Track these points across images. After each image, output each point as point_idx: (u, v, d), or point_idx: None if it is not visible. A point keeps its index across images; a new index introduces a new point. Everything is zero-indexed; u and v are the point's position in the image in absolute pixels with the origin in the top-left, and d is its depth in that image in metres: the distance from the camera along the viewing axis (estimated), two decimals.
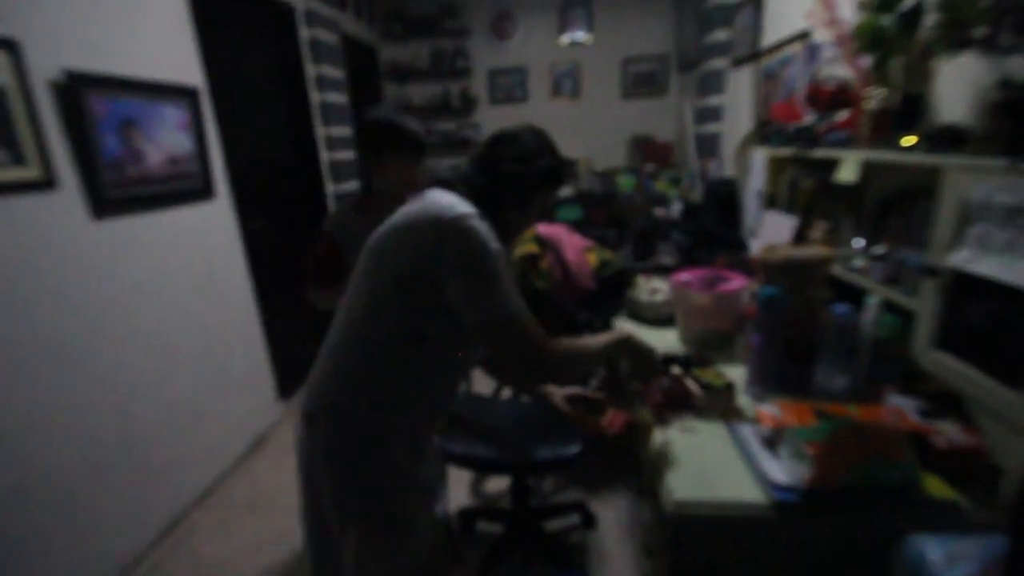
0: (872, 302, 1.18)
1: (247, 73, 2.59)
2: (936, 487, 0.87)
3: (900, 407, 1.02)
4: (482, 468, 1.60)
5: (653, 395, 1.16)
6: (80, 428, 1.58)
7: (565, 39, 4.19)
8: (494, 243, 0.88)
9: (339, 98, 3.23)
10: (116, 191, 1.72)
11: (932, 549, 0.75)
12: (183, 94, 2.00)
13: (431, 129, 4.42)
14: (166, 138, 1.93)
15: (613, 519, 1.80)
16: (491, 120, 4.39)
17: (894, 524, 0.82)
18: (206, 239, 2.15)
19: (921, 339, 1.09)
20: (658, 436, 1.08)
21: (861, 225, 1.50)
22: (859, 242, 1.43)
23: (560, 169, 1.03)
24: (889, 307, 1.18)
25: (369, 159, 1.43)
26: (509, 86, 4.32)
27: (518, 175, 0.97)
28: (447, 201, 0.90)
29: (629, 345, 1.03)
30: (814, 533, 0.88)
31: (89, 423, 1.61)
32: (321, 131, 3.10)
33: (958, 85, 1.21)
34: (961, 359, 0.99)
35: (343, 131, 3.27)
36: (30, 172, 1.45)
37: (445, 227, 0.86)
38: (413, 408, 0.97)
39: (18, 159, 1.42)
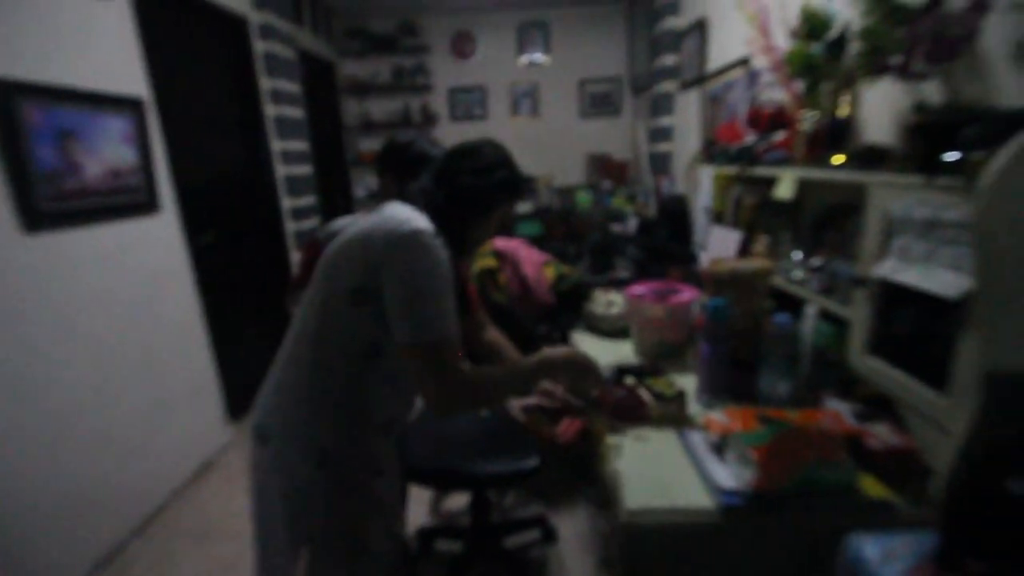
0: (810, 311, 1.24)
1: (197, 85, 2.52)
2: (872, 487, 0.91)
3: (837, 411, 1.07)
4: (439, 482, 1.57)
5: (607, 405, 1.18)
6: (8, 452, 1.47)
7: (524, 60, 4.29)
8: (442, 263, 0.87)
9: (295, 112, 3.19)
10: (50, 204, 1.63)
11: (869, 547, 0.78)
12: (127, 105, 1.92)
13: None
14: (108, 150, 1.84)
15: (573, 532, 1.79)
16: (452, 136, 4.41)
17: (834, 523, 0.85)
18: (149, 254, 2.05)
19: (854, 345, 1.15)
20: (612, 446, 1.09)
21: (799, 239, 1.59)
22: (797, 255, 1.51)
23: (518, 181, 1.03)
24: (826, 316, 1.25)
25: (389, 180, 1.46)
26: (469, 104, 4.37)
27: (475, 187, 0.97)
28: (403, 215, 0.89)
29: (560, 364, 1.03)
30: (760, 535, 0.91)
31: (17, 449, 1.50)
32: (276, 145, 3.04)
33: (880, 108, 1.31)
34: (891, 364, 1.06)
35: (299, 145, 3.22)
36: None
37: (395, 240, 0.85)
38: (368, 423, 0.95)
39: None
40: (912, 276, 0.97)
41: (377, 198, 1.47)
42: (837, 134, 1.38)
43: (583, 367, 1.07)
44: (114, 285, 1.88)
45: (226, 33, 2.70)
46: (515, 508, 1.95)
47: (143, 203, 2.01)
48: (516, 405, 1.23)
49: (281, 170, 3.08)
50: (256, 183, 2.95)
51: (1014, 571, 0.66)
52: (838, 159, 1.25)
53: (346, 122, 4.33)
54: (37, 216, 1.58)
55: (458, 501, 1.98)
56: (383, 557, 0.99)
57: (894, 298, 1.05)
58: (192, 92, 2.46)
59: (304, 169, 3.28)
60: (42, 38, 1.63)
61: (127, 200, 1.93)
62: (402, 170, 1.42)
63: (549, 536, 1.76)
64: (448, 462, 1.43)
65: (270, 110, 2.98)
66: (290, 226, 3.16)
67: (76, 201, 1.72)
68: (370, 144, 4.42)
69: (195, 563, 1.77)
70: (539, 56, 4.27)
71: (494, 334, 1.28)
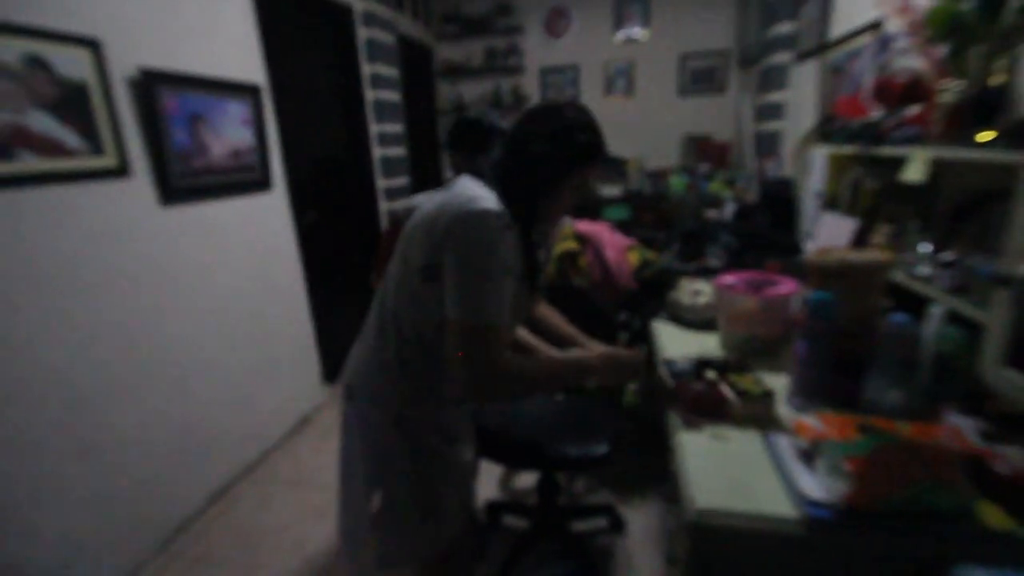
0: (936, 312, 1.08)
1: (306, 72, 2.71)
2: (993, 516, 0.78)
3: (959, 427, 0.92)
4: (509, 459, 1.59)
5: (684, 399, 1.12)
6: (140, 398, 1.72)
7: (620, 36, 4.12)
8: (501, 247, 0.86)
9: (392, 96, 3.32)
10: (183, 180, 1.85)
11: None
12: (247, 91, 2.12)
13: None
14: (230, 132, 2.05)
15: (642, 525, 1.75)
16: None
17: (941, 552, 0.74)
18: (263, 228, 2.27)
19: (989, 354, 0.99)
20: (687, 441, 1.04)
21: (929, 229, 1.38)
22: (926, 247, 1.31)
23: (596, 147, 0.97)
24: (955, 319, 1.08)
25: (459, 157, 1.52)
26: (561, 84, 4.29)
27: (549, 153, 0.92)
28: (470, 193, 0.89)
29: (596, 366, 1.02)
30: (849, 555, 0.81)
31: (148, 394, 1.74)
32: (374, 128, 3.20)
33: None
34: None
35: (395, 128, 3.36)
36: (107, 161, 1.58)
37: (458, 219, 0.86)
38: (442, 393, 0.99)
39: (97, 149, 1.55)
40: None
41: (451, 176, 1.51)
42: (987, 107, 1.16)
43: (622, 364, 1.05)
44: (233, 255, 2.10)
45: (333, 21, 2.87)
46: (585, 494, 1.94)
47: (258, 181, 2.22)
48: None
49: (377, 152, 3.24)
50: (354, 165, 3.14)
51: None
52: (986, 136, 1.07)
53: (439, 105, 4.45)
54: (172, 191, 1.80)
55: (528, 480, 2.01)
56: (451, 521, 1.03)
57: None
58: (301, 78, 2.65)
59: (398, 151, 3.43)
60: (173, 30, 1.83)
61: (245, 178, 2.14)
62: (472, 146, 1.46)
63: (616, 525, 1.73)
64: (519, 440, 1.45)
65: (369, 94, 3.14)
66: (383, 205, 3.33)
67: (203, 178, 1.94)
68: None
69: (291, 506, 1.97)
70: (637, 31, 4.07)
71: (544, 310, 1.27)
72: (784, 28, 2.87)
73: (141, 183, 1.71)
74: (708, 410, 1.10)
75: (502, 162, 0.96)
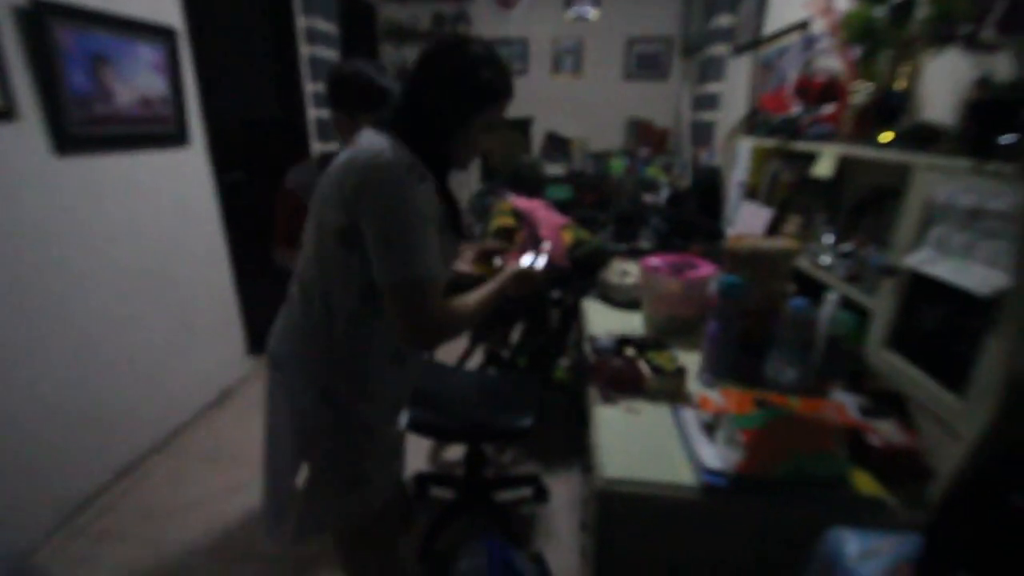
0: (831, 298, 1.17)
1: (232, 19, 2.50)
2: (865, 483, 0.88)
3: (843, 403, 1.02)
4: (437, 433, 1.60)
5: (603, 374, 1.16)
6: (37, 364, 1.57)
7: (571, 14, 4.08)
8: (416, 196, 0.82)
9: (330, 53, 3.14)
10: (82, 128, 1.67)
11: (850, 543, 0.75)
12: (159, 33, 1.92)
13: None
14: (139, 78, 1.86)
15: (565, 495, 1.82)
16: None
17: (819, 516, 0.82)
18: (178, 186, 2.10)
19: (874, 338, 1.09)
20: (601, 414, 1.08)
21: (834, 222, 1.49)
22: (829, 238, 1.42)
23: (505, 82, 0.91)
24: (848, 304, 1.18)
25: (341, 115, 1.36)
26: (509, 57, 4.20)
27: (453, 92, 0.87)
28: (374, 148, 0.84)
29: (511, 283, 1.04)
30: (740, 519, 0.89)
31: (46, 360, 1.59)
32: (309, 87, 3.01)
33: (941, 83, 1.18)
34: (909, 360, 0.99)
35: None
36: None
37: (365, 178, 0.82)
38: (373, 359, 0.95)
39: None
40: (945, 269, 0.89)
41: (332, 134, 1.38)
42: (890, 109, 1.26)
43: (526, 276, 1.08)
44: (144, 213, 1.93)
45: None
46: (512, 465, 1.99)
47: (173, 134, 2.04)
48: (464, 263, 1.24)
49: (312, 113, 3.06)
50: (287, 125, 2.96)
51: None
52: (886, 137, 1.15)
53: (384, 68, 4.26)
54: (68, 139, 1.62)
55: (456, 452, 2.03)
56: (377, 493, 1.02)
57: (922, 291, 0.98)
58: (226, 27, 2.44)
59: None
60: None
61: (157, 130, 1.96)
62: (352, 104, 1.32)
63: (541, 495, 1.79)
64: (446, 414, 1.45)
65: (305, 50, 2.94)
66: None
67: (107, 127, 1.76)
68: None
69: (205, 482, 1.89)
70: (588, 10, 4.05)
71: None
72: (724, 20, 2.96)
73: (30, 128, 1.53)
74: (625, 385, 1.15)
75: (404, 108, 0.90)
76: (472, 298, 0.96)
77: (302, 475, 0.97)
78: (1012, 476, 0.69)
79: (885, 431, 0.94)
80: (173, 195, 2.07)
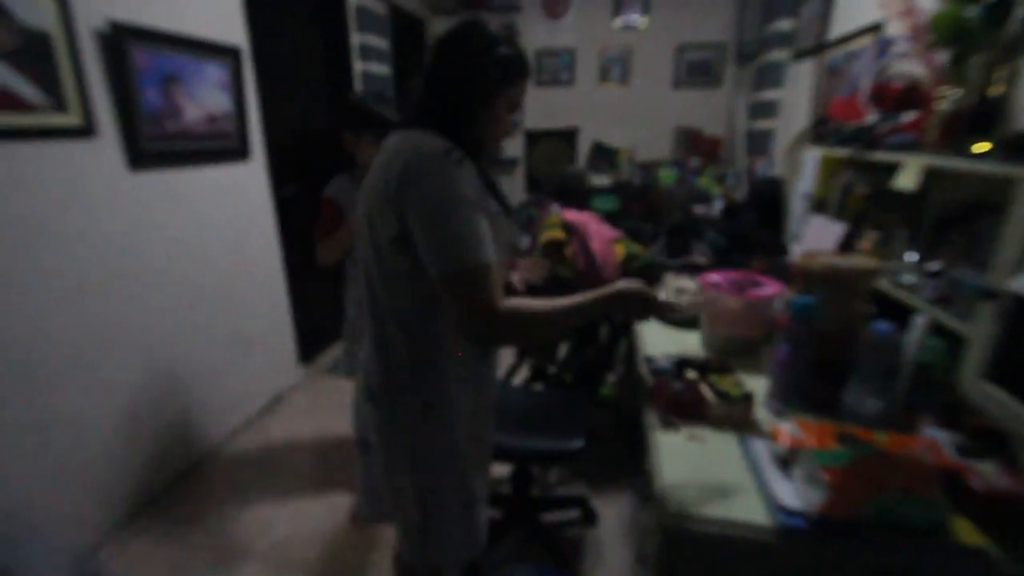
0: (919, 321, 1.07)
1: (291, 37, 2.60)
2: (966, 532, 0.78)
3: (936, 440, 0.92)
4: None
5: (663, 398, 1.10)
6: (105, 368, 1.65)
7: (619, 22, 4.04)
8: (458, 181, 0.79)
9: (382, 69, 3.22)
10: (154, 144, 1.76)
11: None
12: (226, 53, 2.01)
13: None
14: (206, 96, 1.95)
15: (614, 519, 1.75)
16: (534, 102, 4.28)
17: (914, 567, 0.74)
18: (239, 199, 2.18)
19: (970, 368, 0.99)
20: (661, 441, 1.02)
21: (917, 238, 1.38)
22: (912, 256, 1.31)
23: (519, 58, 0.89)
24: (937, 330, 1.08)
25: (348, 133, 1.61)
26: (555, 68, 4.20)
27: (471, 73, 0.85)
28: (407, 145, 0.83)
29: (616, 299, 0.91)
30: (822, 565, 0.81)
31: (114, 365, 1.67)
32: None
33: None
34: (1013, 394, 0.89)
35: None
36: (71, 119, 1.49)
37: (403, 176, 0.80)
38: (466, 360, 0.93)
39: (60, 105, 1.46)
40: None
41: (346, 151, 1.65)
42: (984, 117, 1.15)
43: (646, 301, 0.94)
44: (207, 226, 2.02)
45: None
46: (559, 485, 1.93)
47: (235, 149, 2.12)
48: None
49: None
50: (340, 140, 3.03)
51: None
52: (982, 147, 1.05)
53: None
54: (142, 154, 1.71)
55: (502, 469, 1.99)
56: (485, 508, 1.02)
57: None
58: (286, 44, 2.54)
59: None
60: None
61: (221, 145, 2.05)
62: (355, 127, 1.58)
63: (589, 518, 1.73)
64: (495, 433, 1.42)
65: (358, 66, 3.03)
66: None
67: (176, 143, 1.84)
68: None
69: (256, 485, 1.93)
70: (636, 17, 3.99)
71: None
72: (783, 25, 2.84)
73: (108, 144, 1.62)
74: (686, 410, 1.08)
75: (427, 100, 0.88)
76: (556, 302, 0.88)
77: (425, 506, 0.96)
78: None
79: (987, 473, 0.84)
80: (234, 207, 2.15)
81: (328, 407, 2.46)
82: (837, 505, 0.78)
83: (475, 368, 0.95)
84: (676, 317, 1.45)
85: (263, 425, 2.33)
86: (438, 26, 4.25)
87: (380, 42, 3.16)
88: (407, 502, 0.97)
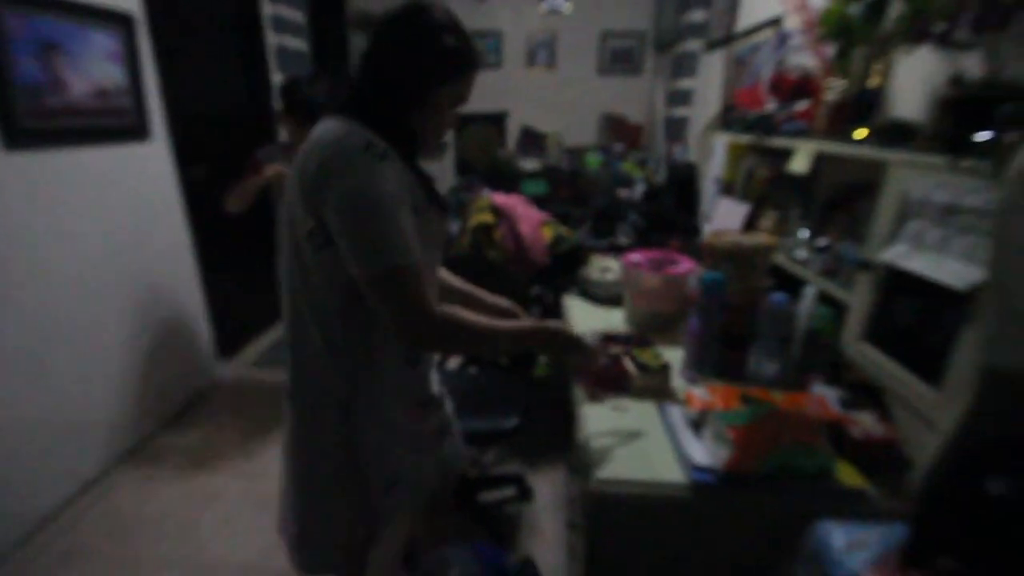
0: (809, 292, 1.19)
1: (194, 6, 2.38)
2: (848, 475, 0.89)
3: (823, 396, 1.04)
4: None
5: (590, 373, 1.15)
6: None
7: (544, 6, 4.06)
8: (382, 179, 0.75)
9: (298, 43, 3.04)
10: (33, 121, 1.57)
11: (837, 535, 0.76)
12: (115, 20, 1.82)
13: None
14: (94, 67, 1.76)
15: (549, 493, 1.82)
16: None
17: (806, 509, 0.83)
18: (139, 182, 2.00)
19: (850, 331, 1.11)
20: (589, 413, 1.07)
21: (809, 217, 1.52)
22: (804, 233, 1.44)
23: (465, 51, 0.82)
24: (824, 299, 1.20)
25: (283, 113, 1.77)
26: (483, 50, 4.16)
27: (415, 64, 0.79)
28: (333, 134, 0.78)
29: (546, 337, 0.92)
30: (729, 514, 0.89)
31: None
32: (277, 77, 2.91)
33: (914, 80, 1.21)
34: (885, 353, 1.02)
35: None
36: None
37: (325, 165, 0.75)
38: (383, 361, 0.89)
39: None
40: (921, 264, 0.91)
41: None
42: (864, 106, 1.28)
43: (574, 342, 0.97)
44: (102, 211, 1.83)
45: None
46: (495, 465, 1.97)
47: (132, 127, 1.94)
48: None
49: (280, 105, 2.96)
50: (255, 117, 2.85)
51: (984, 571, 0.64)
52: (860, 133, 1.17)
53: (354, 60, 4.16)
54: (18, 132, 1.52)
55: None
56: (418, 487, 0.99)
57: (898, 285, 1.01)
58: (189, 14, 2.33)
59: None
60: None
61: (115, 123, 1.86)
62: (287, 107, 1.72)
63: (525, 495, 1.78)
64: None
65: (272, 39, 2.84)
66: None
67: (60, 120, 1.65)
68: None
69: (179, 491, 1.81)
70: (561, 3, 4.03)
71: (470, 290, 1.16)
72: (697, 16, 2.98)
73: None
74: (611, 383, 1.14)
75: (361, 85, 0.82)
76: (492, 322, 0.88)
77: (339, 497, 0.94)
78: (986, 464, 0.71)
79: (865, 423, 0.97)
80: (133, 191, 1.97)
81: (256, 403, 2.34)
82: (741, 460, 0.86)
83: (398, 373, 0.92)
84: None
85: (183, 425, 2.18)
86: (358, 1, 4.07)
87: (295, 14, 2.98)
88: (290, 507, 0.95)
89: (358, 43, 4.16)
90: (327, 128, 0.80)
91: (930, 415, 0.89)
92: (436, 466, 1.04)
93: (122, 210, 1.92)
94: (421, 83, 0.80)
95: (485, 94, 4.29)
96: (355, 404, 0.88)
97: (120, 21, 1.83)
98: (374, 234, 0.74)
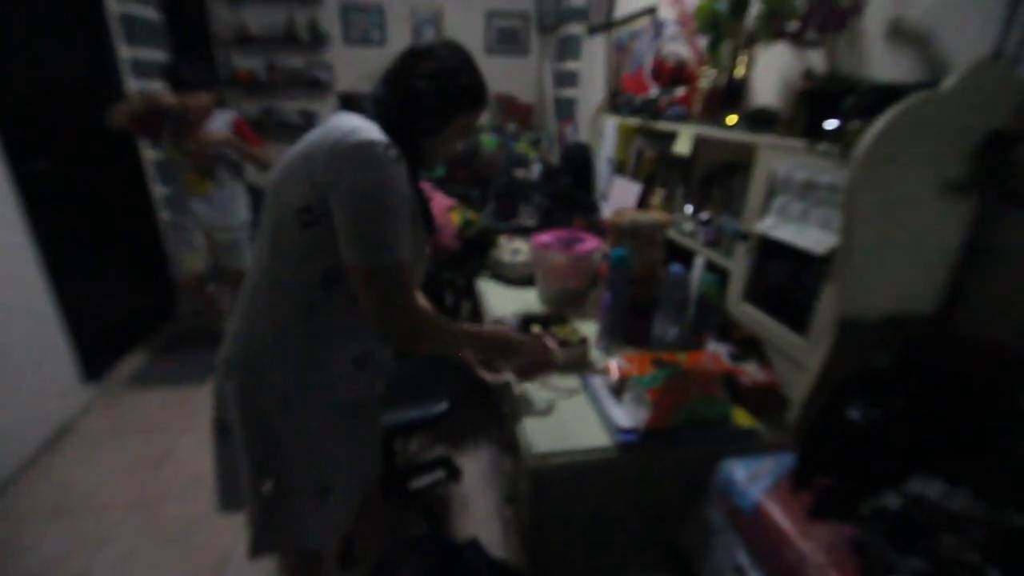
0: (699, 262, 1.34)
1: None
2: (742, 418, 1.04)
3: (716, 352, 1.19)
4: None
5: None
6: None
7: None
8: (395, 179, 0.79)
9: (147, 12, 2.65)
10: None
11: (738, 470, 0.89)
12: None
13: (274, 65, 3.88)
14: None
15: (476, 471, 1.87)
16: (345, 61, 3.99)
17: (711, 452, 0.96)
18: None
19: (733, 294, 1.27)
20: (518, 391, 1.12)
21: (690, 193, 1.69)
22: (689, 209, 1.61)
23: (481, 88, 0.94)
24: (710, 267, 1.36)
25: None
26: (367, 26, 3.95)
27: (434, 94, 0.88)
28: (350, 125, 0.80)
29: (503, 344, 1.03)
30: (651, 467, 1.00)
31: None
32: (126, 52, 2.53)
33: (769, 71, 1.39)
34: (762, 310, 1.19)
35: (156, 54, 2.71)
36: None
37: (340, 153, 0.77)
38: (334, 358, 0.90)
39: None
40: (788, 233, 1.07)
41: None
42: (732, 94, 1.45)
43: (541, 356, 1.09)
44: None
45: None
46: (420, 451, 1.98)
47: None
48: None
49: (134, 84, 2.58)
50: (102, 98, 2.46)
51: (853, 484, 0.80)
52: (732, 120, 1.32)
53: (217, 32, 3.72)
54: None
55: None
56: (348, 496, 0.98)
57: (769, 252, 1.17)
58: None
59: (160, 85, 2.79)
60: None
61: None
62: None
63: (453, 475, 1.81)
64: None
65: (114, 6, 2.45)
66: (151, 153, 2.70)
67: None
68: (247, 62, 3.86)
69: (54, 541, 1.58)
70: None
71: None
72: (577, 1, 3.09)
73: None
74: (538, 364, 1.20)
75: (384, 98, 0.88)
76: (463, 325, 0.98)
77: (267, 490, 0.92)
78: (846, 397, 0.87)
79: (751, 372, 1.12)
80: None
81: (134, 427, 2.09)
82: (659, 418, 0.96)
83: (344, 373, 0.93)
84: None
85: (47, 464, 1.88)
86: None
87: None
88: (251, 486, 0.93)
89: (221, 15, 3.73)
90: (344, 118, 0.82)
91: (800, 360, 1.06)
92: (368, 468, 1.04)
93: None
94: (443, 112, 0.90)
95: (375, 71, 4.08)
96: (294, 398, 0.88)
97: None
98: (380, 229, 0.78)
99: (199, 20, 3.54)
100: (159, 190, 2.74)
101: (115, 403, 2.25)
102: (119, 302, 2.51)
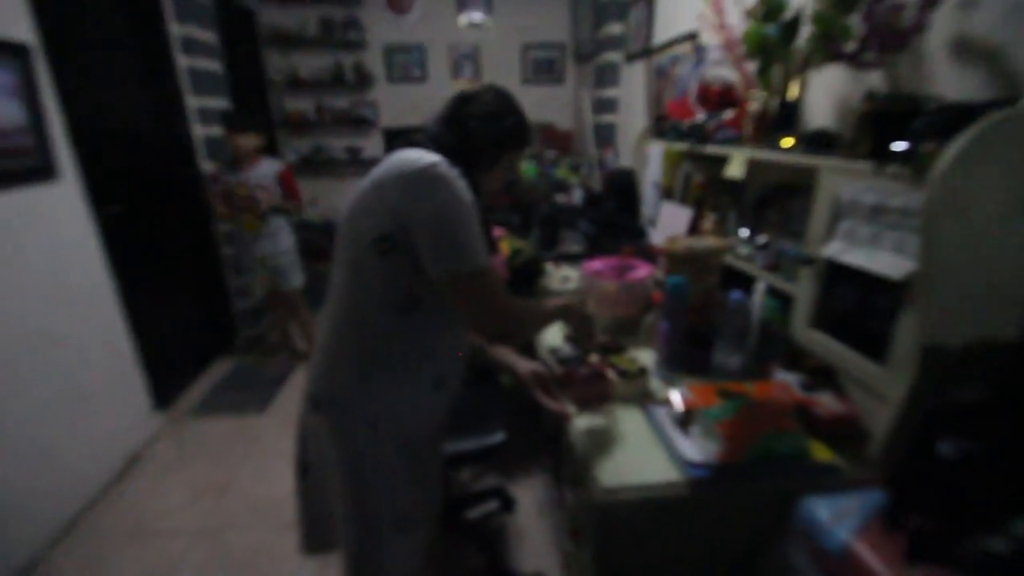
0: (759, 287, 1.31)
1: (94, 31, 2.18)
2: (820, 452, 1.00)
3: (786, 381, 1.14)
4: None
5: (574, 385, 1.19)
6: None
7: (463, 19, 4.10)
8: (464, 193, 0.85)
9: (212, 65, 2.86)
10: None
11: (821, 509, 0.85)
12: (8, 51, 1.63)
13: (322, 106, 4.10)
14: None
15: (531, 501, 1.84)
16: (389, 98, 4.18)
17: (787, 488, 0.92)
18: (48, 228, 1.80)
19: (799, 320, 1.23)
20: (580, 423, 1.11)
21: (743, 217, 1.66)
22: (744, 232, 1.57)
23: (526, 129, 1.03)
24: (772, 292, 1.32)
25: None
26: (408, 64, 4.13)
27: (485, 134, 0.96)
28: (413, 155, 0.87)
29: (572, 311, 1.09)
30: (724, 503, 0.96)
31: None
32: (193, 101, 2.73)
33: (824, 93, 1.37)
34: (833, 337, 1.14)
35: (219, 103, 2.91)
36: None
37: (412, 178, 0.84)
38: (417, 381, 0.95)
39: None
40: (859, 257, 1.04)
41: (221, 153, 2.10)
42: (785, 116, 1.43)
43: (589, 318, 1.15)
44: (6, 266, 1.63)
45: None
46: (472, 481, 1.97)
47: (37, 168, 1.74)
48: (524, 369, 1.20)
49: (199, 130, 2.78)
50: (171, 144, 2.65)
51: (949, 524, 0.75)
52: (788, 142, 1.30)
53: (271, 77, 3.97)
54: None
55: None
56: (426, 529, 1.02)
57: (837, 276, 1.13)
58: (90, 40, 2.13)
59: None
60: None
61: (16, 165, 1.66)
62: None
63: (507, 506, 1.80)
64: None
65: (182, 61, 2.66)
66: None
67: None
68: (298, 103, 4.09)
69: (130, 564, 1.65)
70: (479, 16, 4.09)
71: None
72: (614, 29, 3.14)
73: None
74: (596, 395, 1.19)
75: (441, 137, 0.95)
76: (530, 306, 1.06)
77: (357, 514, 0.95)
78: (935, 429, 0.83)
79: (826, 403, 1.08)
80: (44, 238, 1.77)
81: (199, 454, 2.18)
82: (731, 452, 0.93)
83: (424, 386, 0.97)
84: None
85: (123, 491, 1.98)
86: (268, 17, 3.89)
87: (205, 35, 2.80)
88: (343, 524, 0.96)
89: (273, 60, 3.98)
90: (409, 151, 0.90)
91: (879, 389, 1.01)
92: (437, 500, 1.05)
93: (31, 258, 1.72)
94: (494, 150, 0.99)
95: (413, 108, 4.26)
96: (381, 425, 0.92)
97: (14, 52, 1.64)
98: (462, 238, 0.84)
99: (255, 68, 3.79)
100: (221, 227, 2.91)
101: (181, 431, 2.35)
102: (185, 333, 2.65)
